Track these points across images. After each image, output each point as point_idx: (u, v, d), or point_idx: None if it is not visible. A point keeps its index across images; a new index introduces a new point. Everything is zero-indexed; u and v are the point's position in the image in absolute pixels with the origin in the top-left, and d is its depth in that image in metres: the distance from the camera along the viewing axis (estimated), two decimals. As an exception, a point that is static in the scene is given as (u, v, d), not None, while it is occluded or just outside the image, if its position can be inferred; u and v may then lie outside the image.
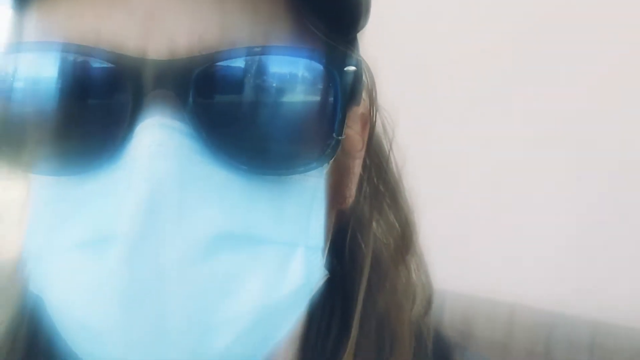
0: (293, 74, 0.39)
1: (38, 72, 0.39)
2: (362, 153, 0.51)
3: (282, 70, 0.39)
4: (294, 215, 0.42)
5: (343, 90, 0.40)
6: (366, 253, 0.50)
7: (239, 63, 0.38)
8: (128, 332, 0.38)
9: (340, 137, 0.41)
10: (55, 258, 0.40)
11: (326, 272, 0.46)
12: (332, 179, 0.46)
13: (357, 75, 0.44)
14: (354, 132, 0.49)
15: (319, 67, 0.40)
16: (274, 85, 0.39)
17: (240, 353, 0.40)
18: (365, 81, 0.47)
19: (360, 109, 0.49)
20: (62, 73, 0.38)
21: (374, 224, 0.53)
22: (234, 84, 0.38)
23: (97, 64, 0.38)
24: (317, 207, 0.43)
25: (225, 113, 0.39)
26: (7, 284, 0.47)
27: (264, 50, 0.38)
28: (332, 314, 0.50)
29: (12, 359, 0.48)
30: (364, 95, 0.49)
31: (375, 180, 0.53)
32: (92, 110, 0.39)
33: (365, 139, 0.51)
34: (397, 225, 0.54)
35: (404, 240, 0.54)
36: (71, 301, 0.39)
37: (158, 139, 0.37)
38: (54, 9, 0.39)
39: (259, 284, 0.39)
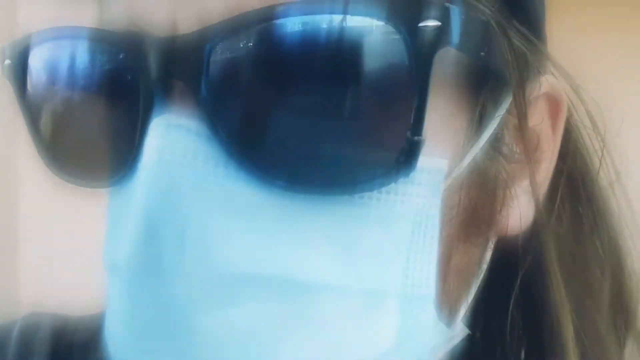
0: (338, 40, 0.27)
1: (52, 66, 0.32)
2: (550, 157, 0.35)
3: (329, 43, 0.27)
4: (373, 250, 0.30)
5: (421, 68, 0.28)
6: (561, 316, 0.33)
7: (258, 29, 0.27)
8: None
9: (418, 139, 0.28)
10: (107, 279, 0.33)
11: (464, 329, 0.34)
12: (475, 197, 0.33)
13: (480, 39, 0.30)
14: (533, 123, 0.34)
15: (383, 25, 0.27)
16: (321, 65, 0.28)
17: None
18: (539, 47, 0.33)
19: (539, 86, 0.34)
20: (66, 68, 0.32)
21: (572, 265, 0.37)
22: (262, 65, 0.28)
23: (98, 51, 0.31)
24: (423, 240, 0.31)
25: (250, 104, 0.29)
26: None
27: (304, 9, 0.27)
28: None
29: None
30: (550, 67, 0.35)
31: (573, 198, 0.38)
32: (109, 110, 0.32)
33: (558, 134, 0.35)
34: (608, 273, 0.38)
35: (620, 300, 0.37)
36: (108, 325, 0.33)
37: (162, 144, 0.28)
38: None
39: (315, 345, 0.29)
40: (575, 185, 0.38)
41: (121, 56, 0.30)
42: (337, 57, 0.28)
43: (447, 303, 0.33)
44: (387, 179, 0.29)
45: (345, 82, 0.28)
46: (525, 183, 0.34)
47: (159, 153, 0.28)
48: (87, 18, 0.34)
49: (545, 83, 0.35)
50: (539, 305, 0.35)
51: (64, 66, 0.32)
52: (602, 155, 0.38)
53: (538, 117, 0.35)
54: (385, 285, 0.30)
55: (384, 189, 0.29)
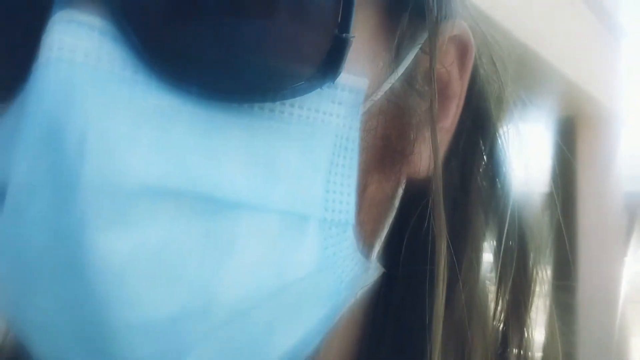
0: None
1: None
2: (457, 99, 0.35)
3: None
4: (293, 169, 0.28)
5: None
6: (439, 251, 0.32)
7: None
8: (46, 331, 0.27)
9: (346, 36, 0.26)
10: None
11: (379, 267, 0.33)
12: (390, 127, 0.32)
13: None
14: (440, 65, 0.34)
15: None
16: None
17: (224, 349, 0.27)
18: None
19: (453, 28, 0.34)
20: None
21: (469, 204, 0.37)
22: None
23: None
24: (343, 162, 0.29)
25: (167, 5, 0.26)
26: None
27: None
28: (398, 330, 0.36)
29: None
30: (461, 9, 0.35)
31: (472, 144, 0.37)
32: (5, 8, 0.28)
33: (465, 77, 0.35)
34: (495, 215, 0.37)
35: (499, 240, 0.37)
36: None
37: (61, 41, 0.25)
38: None
39: (234, 271, 0.27)
40: (477, 130, 0.38)
41: None
42: None
43: (362, 234, 0.32)
44: (312, 83, 0.27)
45: None
46: (438, 126, 0.33)
47: (57, 51, 0.25)
48: None
49: (457, 27, 0.35)
50: (426, 244, 0.34)
51: None
52: (503, 101, 0.38)
53: (448, 59, 0.35)
54: (305, 207, 0.28)
55: (304, 105, 0.28)
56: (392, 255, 0.35)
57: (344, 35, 0.26)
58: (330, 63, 0.27)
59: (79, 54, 0.25)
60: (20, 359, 0.32)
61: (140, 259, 0.25)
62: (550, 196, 0.45)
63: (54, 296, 0.26)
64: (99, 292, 0.25)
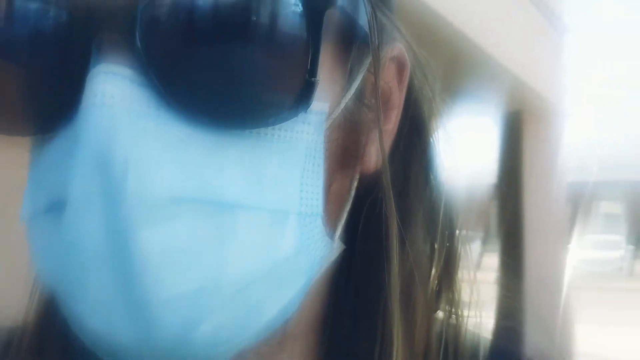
0: (255, 4, 0.34)
1: None
2: (397, 107, 0.44)
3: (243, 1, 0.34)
4: (276, 177, 0.36)
5: (315, 21, 0.35)
6: (390, 229, 0.42)
7: None
8: (99, 306, 0.34)
9: (314, 80, 0.35)
10: (33, 224, 0.38)
11: (341, 245, 0.42)
12: (346, 136, 0.41)
13: (356, 6, 0.38)
14: (383, 82, 0.42)
15: None
16: (234, 20, 0.34)
17: (226, 326, 0.36)
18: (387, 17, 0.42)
19: (392, 50, 0.43)
20: (7, 21, 0.35)
21: (409, 196, 0.45)
22: (186, 19, 0.34)
23: (38, 8, 0.34)
24: (312, 168, 0.38)
25: (179, 55, 0.34)
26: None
27: None
28: (357, 295, 0.45)
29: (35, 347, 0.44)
30: (397, 34, 0.43)
31: (410, 143, 0.46)
32: (50, 60, 0.35)
33: (403, 89, 0.44)
34: (430, 199, 0.46)
35: (433, 219, 0.46)
36: (48, 272, 0.37)
37: (101, 89, 0.33)
38: None
39: (236, 256, 0.35)
40: (414, 131, 0.46)
41: (53, 16, 0.34)
42: (247, 15, 0.34)
43: (328, 221, 0.40)
44: (289, 113, 0.36)
45: (253, 36, 0.34)
46: (383, 129, 0.42)
47: (101, 97, 0.32)
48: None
49: (395, 49, 0.44)
50: (382, 219, 0.43)
51: None
52: (433, 107, 0.47)
53: (389, 75, 0.44)
54: (286, 205, 0.37)
55: (283, 128, 0.36)
56: (350, 234, 0.43)
57: (312, 79, 0.35)
58: (303, 98, 0.36)
59: (117, 99, 0.33)
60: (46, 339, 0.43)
61: (169, 249, 0.34)
62: (497, 187, 0.53)
63: (107, 280, 0.33)
64: (141, 275, 0.33)
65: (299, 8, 0.34)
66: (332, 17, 0.37)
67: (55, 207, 0.35)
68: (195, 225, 0.34)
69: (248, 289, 0.36)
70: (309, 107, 0.36)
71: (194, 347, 0.35)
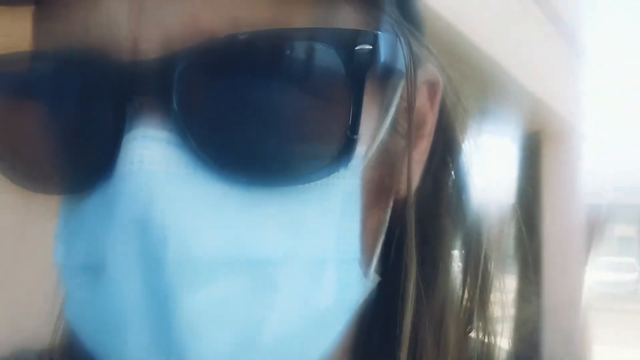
0: (289, 62, 0.33)
1: (20, 86, 0.36)
2: (430, 129, 0.42)
3: (279, 59, 0.33)
4: (314, 227, 0.35)
5: (358, 79, 0.34)
6: (409, 257, 0.40)
7: (221, 55, 0.33)
8: None
9: (355, 137, 0.34)
10: (69, 281, 0.37)
11: (376, 277, 0.40)
12: (381, 171, 0.39)
13: (394, 52, 0.37)
14: (419, 105, 0.40)
15: (327, 50, 0.33)
16: (275, 81, 0.33)
17: None
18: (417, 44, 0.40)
19: (424, 74, 0.41)
20: (39, 84, 0.35)
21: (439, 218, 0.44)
22: (226, 81, 0.33)
23: (73, 71, 0.34)
24: (349, 212, 0.37)
25: (217, 116, 0.34)
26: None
27: (253, 37, 0.32)
28: (386, 322, 0.43)
29: None
30: (428, 56, 0.42)
31: (443, 164, 0.44)
32: (83, 123, 0.35)
33: (436, 110, 0.43)
34: (463, 221, 0.45)
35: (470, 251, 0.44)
36: (82, 327, 0.37)
37: (139, 154, 0.32)
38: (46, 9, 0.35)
39: (277, 311, 0.35)
40: (447, 152, 0.45)
41: (88, 79, 0.34)
42: (289, 75, 0.34)
43: (364, 259, 0.39)
44: (330, 170, 0.35)
45: (294, 97, 0.34)
46: (414, 153, 0.40)
47: (139, 162, 0.32)
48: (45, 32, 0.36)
49: (427, 71, 0.41)
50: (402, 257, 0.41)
51: (28, 88, 0.36)
52: (466, 127, 0.45)
53: (422, 98, 0.42)
54: (325, 253, 0.36)
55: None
56: (381, 262, 0.42)
57: (354, 136, 0.34)
58: (344, 154, 0.34)
59: (155, 162, 0.32)
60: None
61: (210, 309, 0.33)
62: (515, 207, 0.53)
63: (146, 345, 0.33)
64: (183, 334, 0.33)
65: (342, 68, 0.33)
66: (373, 72, 0.36)
67: (92, 269, 0.34)
68: (234, 284, 0.33)
69: (287, 341, 0.35)
70: (349, 162, 0.35)
71: None
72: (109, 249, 0.33)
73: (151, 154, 0.32)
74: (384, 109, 0.39)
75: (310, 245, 0.35)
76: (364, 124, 0.35)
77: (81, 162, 0.35)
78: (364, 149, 0.37)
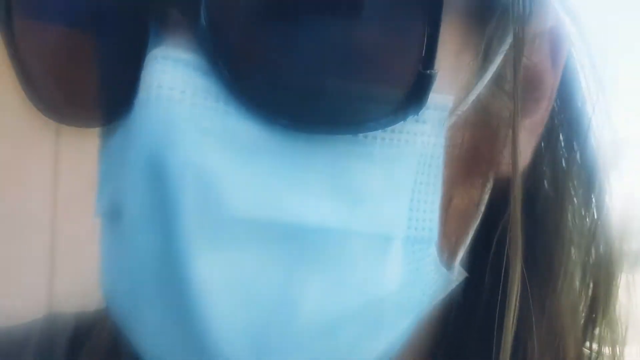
0: None
1: (40, 7, 0.31)
2: (549, 96, 0.34)
3: None
4: (377, 193, 0.29)
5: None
6: (514, 251, 0.32)
7: None
8: (154, 331, 0.30)
9: (431, 72, 0.27)
10: (99, 226, 0.32)
11: (462, 273, 0.34)
12: (477, 136, 0.32)
13: None
14: (532, 62, 0.33)
15: None
16: None
17: None
18: None
19: (543, 21, 0.33)
20: (59, 3, 0.31)
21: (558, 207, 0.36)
22: None
23: None
24: (427, 180, 0.30)
25: (255, 36, 0.27)
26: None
27: None
28: (480, 332, 0.36)
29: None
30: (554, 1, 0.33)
31: (567, 144, 0.36)
32: (108, 44, 0.30)
33: (558, 73, 0.34)
34: (587, 220, 0.37)
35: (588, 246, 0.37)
36: (106, 279, 0.32)
37: (158, 79, 0.26)
38: None
39: (319, 291, 0.28)
40: (571, 129, 0.37)
41: None
42: None
43: (447, 246, 0.32)
44: (396, 116, 0.28)
45: (352, 13, 0.27)
46: (527, 121, 0.33)
47: (157, 89, 0.27)
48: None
49: (549, 19, 0.33)
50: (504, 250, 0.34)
51: (49, 9, 0.31)
52: (596, 102, 0.36)
53: (540, 54, 0.33)
54: (388, 228, 0.29)
55: (388, 128, 0.28)
56: (477, 258, 0.35)
57: (428, 71, 0.27)
58: (414, 97, 0.27)
59: (176, 91, 0.27)
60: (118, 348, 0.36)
61: (233, 279, 0.28)
62: None
63: (159, 307, 0.29)
64: (196, 307, 0.27)
65: None
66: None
67: (113, 214, 0.30)
68: (267, 251, 0.28)
69: (334, 331, 0.29)
70: (421, 108, 0.28)
71: None
72: (125, 194, 0.28)
73: (171, 79, 0.27)
74: (482, 55, 0.31)
75: (369, 215, 0.29)
76: (451, 72, 0.29)
77: (107, 90, 0.30)
78: (451, 102, 0.30)
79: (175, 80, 0.27)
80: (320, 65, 0.27)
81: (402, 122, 0.28)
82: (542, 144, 0.36)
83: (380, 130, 0.28)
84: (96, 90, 0.31)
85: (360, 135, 0.28)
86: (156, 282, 0.28)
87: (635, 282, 0.39)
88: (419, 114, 0.28)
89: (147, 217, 0.27)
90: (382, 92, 0.28)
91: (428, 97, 0.28)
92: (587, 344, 0.39)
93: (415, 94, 0.27)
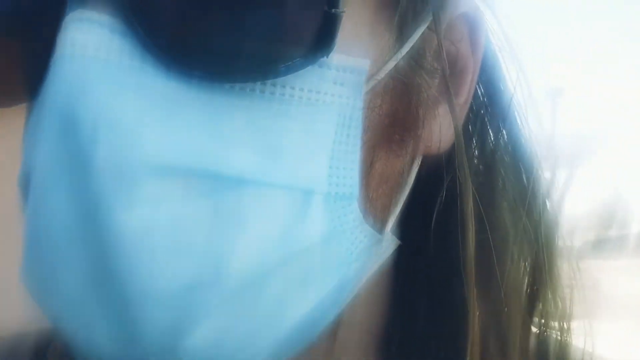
0: None
1: None
2: (470, 79, 0.36)
3: None
4: (296, 148, 0.30)
5: None
6: (466, 225, 0.34)
7: None
8: (73, 303, 0.29)
9: (336, 11, 0.28)
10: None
11: (394, 240, 0.35)
12: (396, 104, 0.33)
13: None
14: (450, 44, 0.34)
15: None
16: None
17: (230, 331, 0.29)
18: None
19: (459, 5, 0.35)
20: None
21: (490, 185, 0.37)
22: None
23: None
24: (346, 140, 0.31)
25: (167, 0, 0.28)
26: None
27: None
28: (430, 306, 0.37)
29: None
30: None
31: (493, 126, 0.38)
32: (29, 11, 0.31)
33: (478, 55, 0.36)
34: (519, 191, 0.38)
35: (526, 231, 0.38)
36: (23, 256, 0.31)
37: (71, 38, 0.27)
38: None
39: (244, 244, 0.29)
40: (494, 111, 0.38)
41: None
42: None
43: (373, 210, 0.33)
44: (306, 59, 0.28)
45: None
46: (448, 102, 0.34)
47: (70, 47, 0.27)
48: None
49: (466, 3, 0.35)
50: (452, 224, 0.35)
51: None
52: (518, 80, 0.37)
53: (457, 36, 0.35)
54: (308, 183, 0.30)
55: (307, 87, 0.29)
56: (414, 229, 0.36)
57: (333, 10, 0.28)
58: (322, 39, 0.28)
59: (90, 49, 0.27)
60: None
61: (153, 234, 0.27)
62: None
63: (78, 270, 0.28)
64: (116, 266, 0.27)
65: None
66: None
67: (27, 180, 0.30)
68: (188, 203, 0.28)
69: (257, 284, 0.29)
70: (330, 50, 0.29)
71: (190, 355, 0.29)
72: (35, 153, 0.28)
73: (85, 38, 0.27)
74: (397, 28, 0.33)
75: (289, 169, 0.30)
76: (367, 38, 0.31)
77: (30, 61, 0.31)
78: (368, 66, 0.31)
79: (89, 40, 0.27)
80: (223, 16, 0.28)
81: (320, 72, 0.29)
82: (470, 125, 0.37)
83: (298, 89, 0.29)
84: (19, 62, 0.32)
85: (277, 92, 0.29)
86: (74, 244, 0.28)
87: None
88: (333, 74, 0.30)
89: (61, 175, 0.27)
90: (290, 34, 0.29)
91: (334, 40, 0.29)
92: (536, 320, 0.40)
93: (323, 34, 0.28)
